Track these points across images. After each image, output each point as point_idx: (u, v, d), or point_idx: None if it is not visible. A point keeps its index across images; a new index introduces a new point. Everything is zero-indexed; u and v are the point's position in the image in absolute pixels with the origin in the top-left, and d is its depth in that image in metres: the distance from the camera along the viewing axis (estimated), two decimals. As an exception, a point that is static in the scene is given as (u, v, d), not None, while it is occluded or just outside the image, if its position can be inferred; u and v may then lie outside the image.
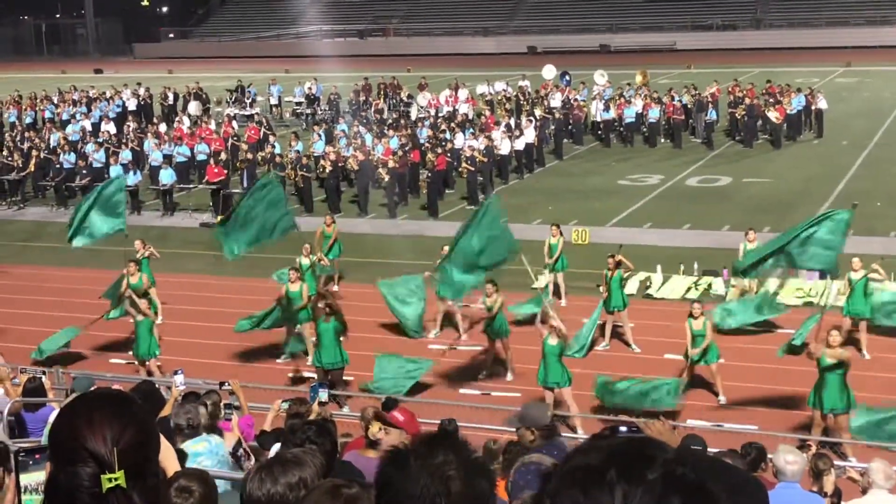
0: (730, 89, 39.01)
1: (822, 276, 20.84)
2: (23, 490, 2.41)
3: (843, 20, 72.33)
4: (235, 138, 34.22)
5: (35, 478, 2.41)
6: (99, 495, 2.14)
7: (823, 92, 39.55)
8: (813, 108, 37.51)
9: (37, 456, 2.43)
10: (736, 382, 16.19)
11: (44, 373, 12.69)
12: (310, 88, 44.99)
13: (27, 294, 21.30)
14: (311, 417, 8.87)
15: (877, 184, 29.53)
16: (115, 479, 2.13)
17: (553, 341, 14.98)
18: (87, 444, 2.15)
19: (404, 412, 7.80)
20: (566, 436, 11.84)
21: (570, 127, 37.71)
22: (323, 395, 9.56)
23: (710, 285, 21.03)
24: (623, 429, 5.27)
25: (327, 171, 29.02)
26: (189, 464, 6.03)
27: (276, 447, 6.95)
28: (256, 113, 41.08)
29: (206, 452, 7.23)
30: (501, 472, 9.33)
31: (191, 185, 31.10)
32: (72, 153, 31.61)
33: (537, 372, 15.19)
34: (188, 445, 7.13)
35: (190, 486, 4.10)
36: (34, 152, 31.79)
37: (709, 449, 9.77)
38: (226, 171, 29.15)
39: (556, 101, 38.90)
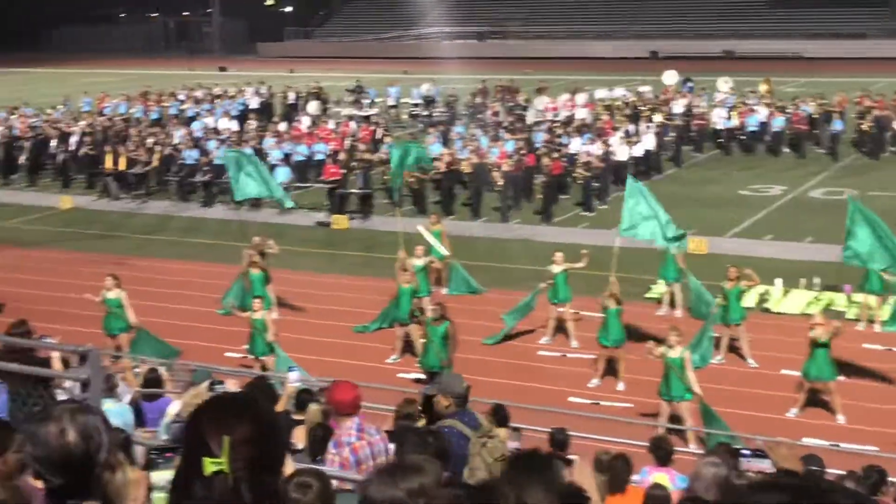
0: (857, 100, 37.88)
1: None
2: (152, 487, 2.49)
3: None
4: (353, 138, 34.58)
5: (164, 476, 2.49)
6: (207, 482, 2.17)
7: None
8: (945, 120, 36.18)
9: (167, 455, 2.52)
10: (855, 401, 15.70)
11: (162, 365, 12.98)
12: (428, 90, 45.21)
13: (146, 286, 21.83)
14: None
15: None
16: (219, 464, 2.16)
17: (675, 354, 14.72)
18: (204, 436, 2.20)
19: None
20: (679, 450, 11.61)
21: (691, 134, 37.11)
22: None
23: (831, 301, 20.43)
24: (747, 452, 5.11)
25: (442, 172, 29.12)
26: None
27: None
28: (374, 114, 41.45)
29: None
30: (608, 488, 9.20)
31: (307, 184, 31.50)
32: (195, 149, 32.34)
33: (659, 384, 14.94)
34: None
35: (308, 482, 4.17)
36: (158, 148, 32.63)
37: (826, 470, 9.48)
38: (343, 171, 29.46)
39: (677, 107, 38.32)
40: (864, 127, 35.58)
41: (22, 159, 34.78)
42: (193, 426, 2.28)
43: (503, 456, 6.95)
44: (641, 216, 18.08)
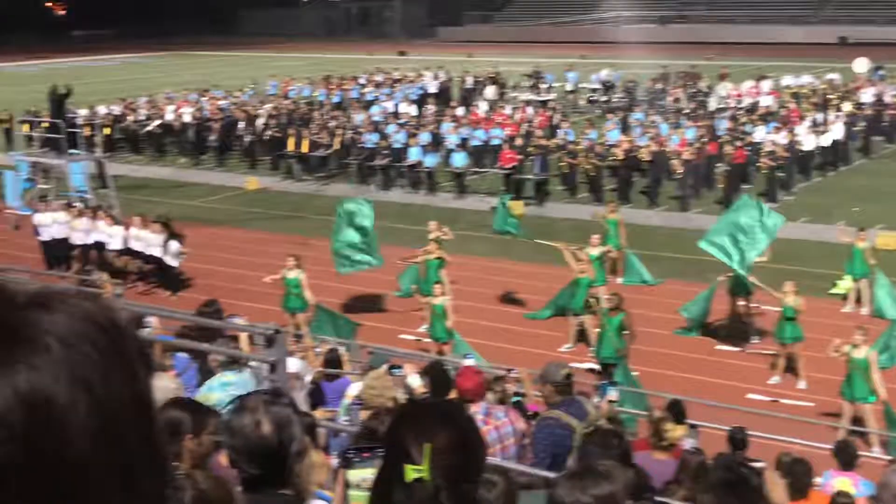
0: None
1: None
2: (349, 485, 2.56)
3: None
4: (530, 124, 34.54)
5: (360, 475, 2.54)
6: (407, 488, 2.21)
7: None
8: None
9: (364, 455, 2.57)
10: None
11: (341, 345, 13.27)
12: (607, 75, 44.72)
13: (328, 266, 22.34)
14: (601, 417, 8.75)
15: None
16: (419, 472, 2.19)
17: (860, 354, 14.16)
18: (405, 443, 2.23)
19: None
20: (862, 454, 11.16)
21: (882, 124, 35.54)
22: (612, 393, 9.42)
23: None
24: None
25: (620, 159, 28.78)
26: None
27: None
28: (550, 99, 41.26)
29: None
30: (789, 491, 8.91)
31: (484, 169, 31.68)
32: (374, 133, 32.92)
33: (841, 383, 14.42)
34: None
35: (493, 479, 4.19)
36: (339, 131, 33.35)
37: None
38: (519, 157, 29.46)
39: (866, 96, 36.75)
40: None
41: (211, 140, 36.12)
42: (394, 432, 2.31)
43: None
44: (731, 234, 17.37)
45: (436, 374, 9.92)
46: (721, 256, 17.68)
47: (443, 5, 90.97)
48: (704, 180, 29.06)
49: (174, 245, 21.25)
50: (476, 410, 6.97)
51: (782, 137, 29.24)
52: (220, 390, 5.64)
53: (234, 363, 7.25)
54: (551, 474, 5.41)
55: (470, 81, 45.83)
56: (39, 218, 23.21)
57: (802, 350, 16.52)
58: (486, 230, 26.12)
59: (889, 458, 12.13)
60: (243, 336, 9.07)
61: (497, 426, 6.91)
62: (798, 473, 8.82)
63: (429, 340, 17.56)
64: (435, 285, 17.95)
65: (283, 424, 3.27)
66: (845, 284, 20.14)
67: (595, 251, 19.81)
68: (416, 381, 8.40)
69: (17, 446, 0.85)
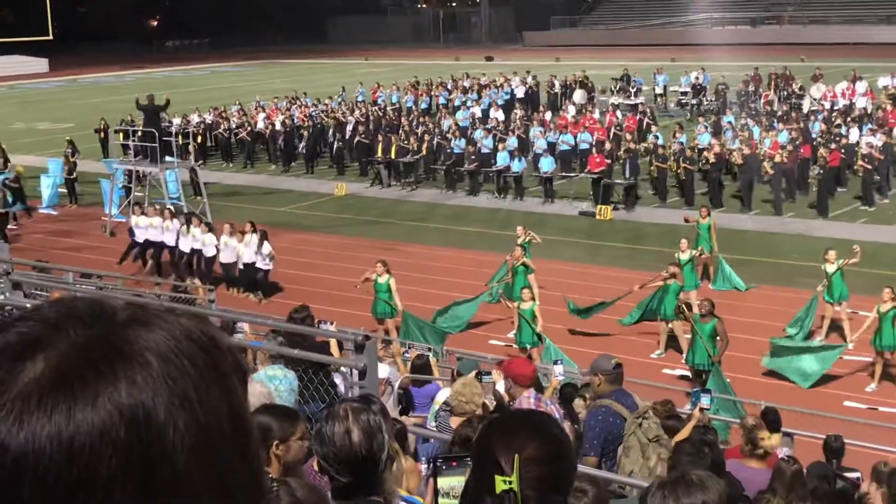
0: None
1: None
2: (439, 493, 2.59)
3: None
4: (619, 128, 34.28)
5: (449, 482, 2.57)
6: (497, 498, 2.21)
7: None
8: None
9: (453, 464, 2.59)
10: None
11: (430, 351, 13.31)
12: (696, 78, 44.17)
13: (415, 272, 22.46)
14: (693, 421, 8.63)
15: None
16: (509, 483, 2.19)
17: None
18: (495, 451, 2.23)
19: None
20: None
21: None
22: (705, 400, 9.28)
23: None
24: None
25: (711, 163, 28.41)
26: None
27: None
28: (641, 103, 40.92)
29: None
30: (887, 501, 8.68)
31: (573, 174, 31.52)
32: (462, 139, 32.99)
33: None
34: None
35: (583, 487, 4.15)
36: (427, 136, 33.49)
37: None
38: (608, 161, 29.26)
39: (968, 95, 35.74)
40: None
41: (300, 147, 36.56)
42: (484, 442, 2.31)
43: (657, 437, 6.91)
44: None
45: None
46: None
47: (530, 10, 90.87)
48: (798, 184, 28.52)
49: (267, 247, 21.55)
50: (527, 395, 7.47)
51: (878, 140, 28.57)
52: (266, 383, 5.70)
53: (281, 358, 7.33)
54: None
55: (558, 86, 45.68)
56: (135, 220, 24.00)
57: (899, 357, 16.12)
58: (575, 234, 26.04)
59: None
60: (333, 342, 9.15)
61: (548, 412, 7.02)
62: (897, 484, 8.58)
63: (517, 346, 17.52)
64: (523, 290, 17.91)
65: (373, 432, 3.29)
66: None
67: (685, 255, 19.57)
68: (503, 388, 8.38)
69: (119, 461, 0.87)
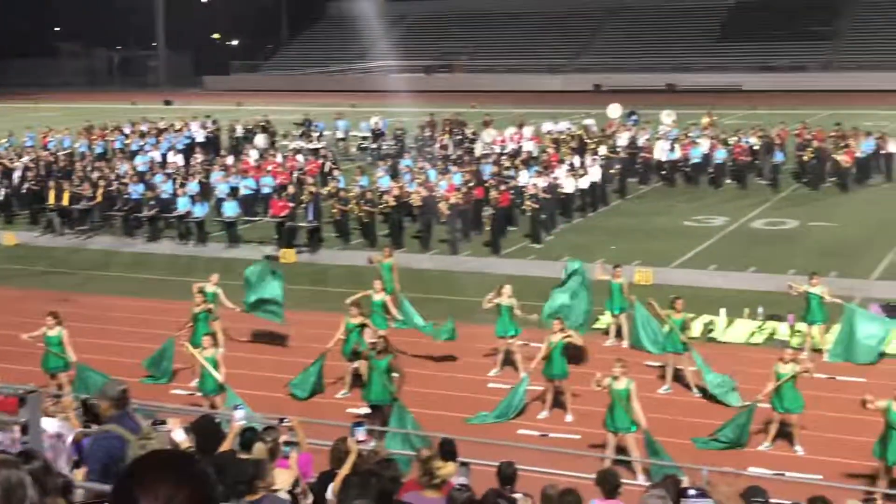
0: (797, 132, 38.57)
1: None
2: None
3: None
4: (301, 172, 34.54)
5: None
6: None
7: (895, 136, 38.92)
8: (883, 152, 36.89)
9: None
10: (804, 431, 15.85)
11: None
12: (376, 123, 45.28)
13: (91, 322, 21.56)
14: (352, 455, 8.83)
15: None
16: None
17: (620, 385, 14.81)
18: (135, 494, 2.15)
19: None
20: (626, 482, 11.64)
21: (636, 166, 37.54)
22: (360, 433, 9.49)
23: (774, 331, 20.70)
24: (692, 492, 5.13)
25: (391, 205, 29.20)
26: None
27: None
28: (322, 147, 41.42)
29: None
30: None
31: (256, 218, 31.40)
32: (140, 184, 32.10)
33: (605, 415, 15.01)
34: None
35: None
36: (102, 182, 32.33)
37: (771, 501, 9.57)
38: (291, 205, 29.39)
39: (622, 139, 38.75)
40: (805, 158, 36.22)
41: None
42: (125, 483, 2.22)
43: None
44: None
45: (204, 428, 9.73)
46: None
47: (208, 55, 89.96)
48: (472, 223, 29.84)
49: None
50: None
51: (543, 181, 30.40)
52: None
53: None
54: (106, 486, 5.60)
55: (240, 130, 45.42)
56: None
57: (567, 385, 17.13)
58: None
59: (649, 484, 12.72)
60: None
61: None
62: (569, 503, 9.13)
63: (200, 395, 17.17)
64: (205, 337, 17.54)
65: (12, 489, 3.17)
66: (606, 319, 21.07)
67: (378, 297, 19.97)
68: (180, 436, 8.22)
69: None
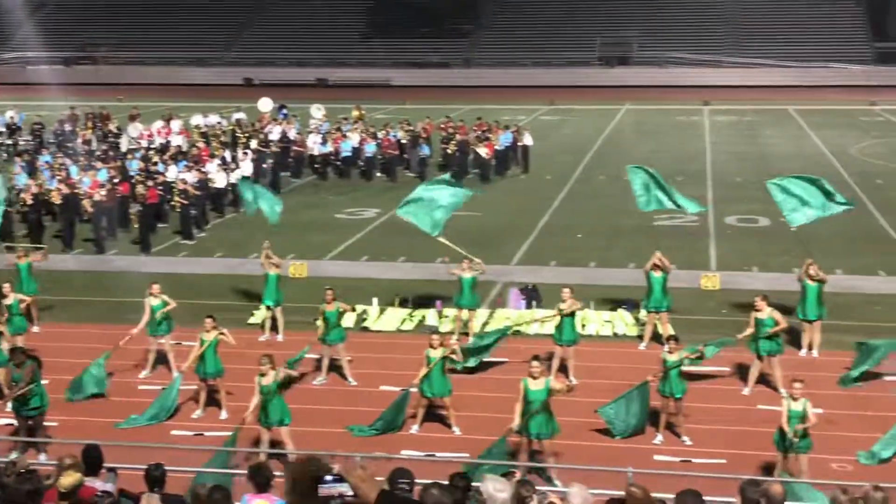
0: (442, 125, 40.15)
1: (528, 304, 21.89)
2: None
3: (547, 61, 76.26)
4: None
5: None
6: None
7: (529, 129, 41.46)
8: (519, 144, 39.17)
9: None
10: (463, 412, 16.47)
11: None
12: (12, 118, 42.66)
13: None
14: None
15: (577, 217, 31.22)
16: None
17: (268, 381, 14.68)
18: None
19: None
20: (279, 474, 11.62)
21: (288, 160, 37.62)
22: None
23: (423, 317, 21.43)
24: (328, 478, 5.07)
25: (29, 204, 27.60)
26: None
27: None
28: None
29: None
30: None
31: None
32: None
33: (258, 413, 14.85)
34: None
35: None
36: None
37: (417, 482, 9.87)
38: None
39: (273, 134, 38.71)
40: (449, 151, 37.77)
41: None
42: None
43: None
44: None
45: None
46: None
47: None
48: (119, 221, 28.78)
49: None
50: None
51: (193, 176, 29.82)
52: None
53: None
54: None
55: None
56: None
57: (221, 383, 16.87)
58: None
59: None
60: None
61: None
62: (217, 501, 8.97)
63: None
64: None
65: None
66: (261, 314, 20.96)
67: (10, 299, 18.71)
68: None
69: None
